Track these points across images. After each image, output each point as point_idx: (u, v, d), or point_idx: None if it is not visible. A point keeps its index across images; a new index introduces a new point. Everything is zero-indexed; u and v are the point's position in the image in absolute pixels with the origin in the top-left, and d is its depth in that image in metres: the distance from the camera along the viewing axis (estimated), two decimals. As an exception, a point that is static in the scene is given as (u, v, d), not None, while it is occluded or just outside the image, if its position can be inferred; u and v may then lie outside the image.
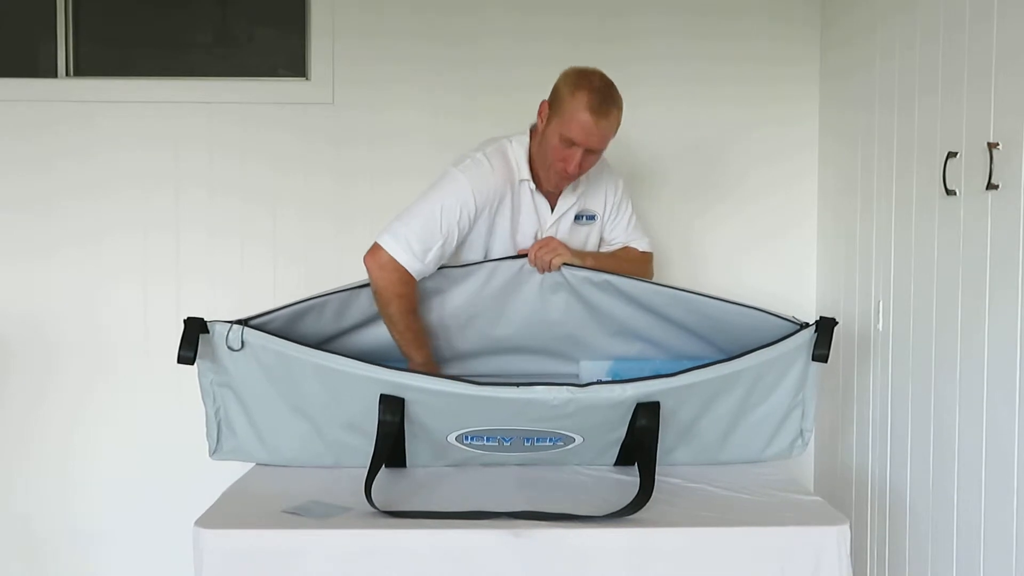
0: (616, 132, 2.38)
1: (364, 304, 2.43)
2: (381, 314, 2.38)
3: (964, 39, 2.13)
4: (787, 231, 3.16)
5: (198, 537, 1.85)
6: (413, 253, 2.32)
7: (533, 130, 2.47)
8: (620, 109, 2.35)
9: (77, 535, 3.14)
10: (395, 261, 2.32)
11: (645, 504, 1.94)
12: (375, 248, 2.34)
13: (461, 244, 2.41)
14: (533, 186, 2.45)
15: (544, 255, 2.40)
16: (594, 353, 2.56)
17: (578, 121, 2.30)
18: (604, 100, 2.31)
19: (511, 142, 2.47)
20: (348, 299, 2.41)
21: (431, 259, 2.35)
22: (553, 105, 2.37)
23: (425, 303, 2.46)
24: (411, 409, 2.14)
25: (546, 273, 2.43)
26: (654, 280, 2.57)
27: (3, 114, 3.09)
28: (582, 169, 2.38)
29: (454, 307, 2.45)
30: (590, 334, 2.53)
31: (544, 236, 2.49)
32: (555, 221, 2.50)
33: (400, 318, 2.37)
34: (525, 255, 2.43)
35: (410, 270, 2.33)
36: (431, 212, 2.34)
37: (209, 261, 3.12)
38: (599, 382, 2.15)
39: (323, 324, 2.41)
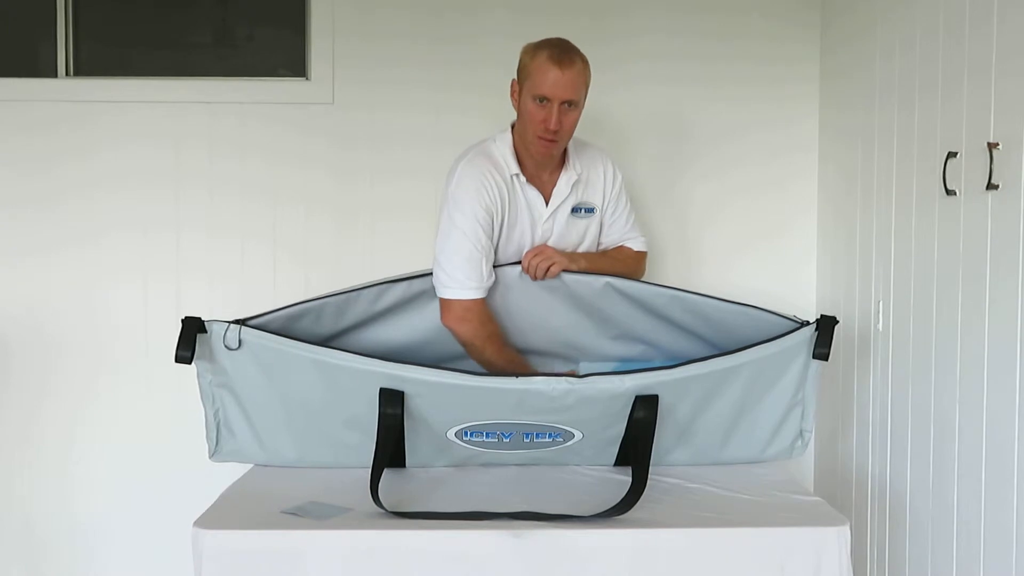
0: (587, 86, 2.40)
1: (362, 307, 2.43)
2: (478, 361, 2.40)
3: (964, 39, 2.13)
4: (787, 231, 3.16)
5: (197, 537, 1.85)
6: (472, 287, 2.36)
7: (514, 126, 2.48)
8: (585, 62, 2.39)
9: (77, 535, 3.14)
10: (465, 302, 2.35)
11: (637, 500, 1.95)
12: (445, 305, 2.38)
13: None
14: (523, 179, 2.46)
15: (540, 263, 2.40)
16: (596, 356, 2.55)
17: (544, 75, 2.34)
18: (565, 51, 2.36)
19: (494, 140, 2.48)
20: (346, 302, 2.41)
21: (486, 275, 2.39)
22: (520, 76, 2.42)
23: (424, 310, 2.46)
24: (411, 403, 2.14)
25: (544, 280, 2.42)
26: (654, 281, 2.57)
27: (3, 114, 3.09)
28: (563, 127, 2.37)
29: None
30: (591, 339, 2.53)
31: (540, 230, 2.49)
32: (551, 214, 2.50)
33: (497, 356, 2.39)
34: (519, 263, 2.43)
35: (479, 297, 2.37)
36: (458, 242, 2.36)
37: (209, 260, 3.12)
38: (598, 373, 2.15)
39: (321, 326, 2.41)
